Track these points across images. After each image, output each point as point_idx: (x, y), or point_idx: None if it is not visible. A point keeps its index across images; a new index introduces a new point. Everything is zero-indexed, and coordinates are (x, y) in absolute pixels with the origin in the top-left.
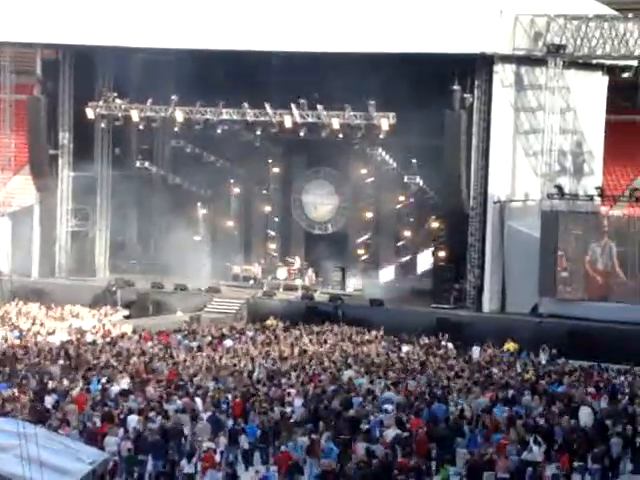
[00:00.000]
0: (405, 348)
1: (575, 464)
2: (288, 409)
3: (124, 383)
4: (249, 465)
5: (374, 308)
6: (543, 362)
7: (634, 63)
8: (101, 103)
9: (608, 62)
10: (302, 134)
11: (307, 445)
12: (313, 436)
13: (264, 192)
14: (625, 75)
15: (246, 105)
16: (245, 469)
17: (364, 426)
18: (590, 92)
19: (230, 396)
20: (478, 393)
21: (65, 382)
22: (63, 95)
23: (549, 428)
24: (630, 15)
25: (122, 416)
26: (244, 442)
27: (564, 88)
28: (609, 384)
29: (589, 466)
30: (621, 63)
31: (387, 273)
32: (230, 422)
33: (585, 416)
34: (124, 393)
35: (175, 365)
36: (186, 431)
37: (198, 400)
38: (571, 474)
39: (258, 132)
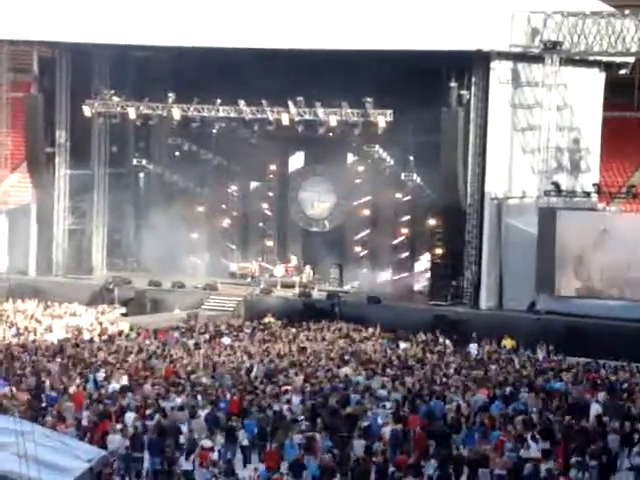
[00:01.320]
0: (402, 345)
1: (573, 460)
2: (285, 406)
3: (121, 381)
4: (247, 462)
5: (371, 305)
6: (540, 359)
7: (631, 60)
8: (98, 101)
9: (605, 59)
10: (299, 131)
11: (304, 443)
12: (310, 434)
13: (261, 190)
14: (622, 72)
15: (243, 102)
16: (243, 466)
17: (362, 423)
18: (587, 89)
19: (228, 394)
20: (475, 390)
21: (62, 380)
22: (60, 93)
23: (547, 425)
24: (627, 12)
25: (119, 414)
26: (243, 438)
27: (561, 85)
28: (606, 381)
29: (587, 462)
30: (618, 60)
31: (384, 270)
32: (228, 420)
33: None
34: (121, 390)
35: (173, 363)
36: (184, 428)
37: (199, 398)
38: (568, 470)
39: (255, 129)
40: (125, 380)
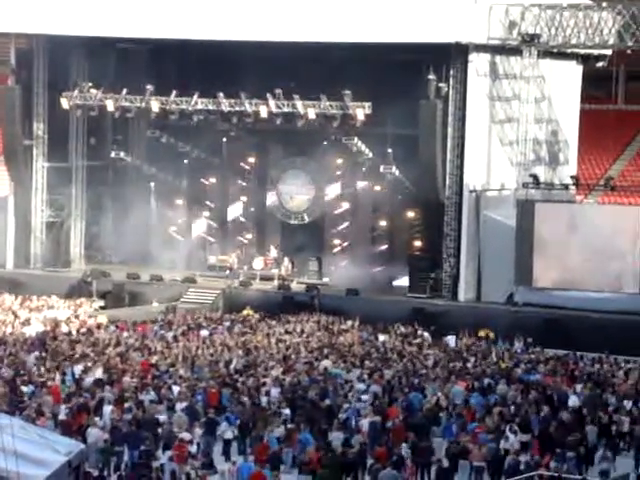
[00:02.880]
0: (381, 337)
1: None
2: (264, 399)
3: (99, 373)
4: (228, 455)
5: (350, 298)
6: (518, 351)
7: (608, 52)
8: (76, 93)
9: (582, 51)
10: (278, 124)
11: (284, 435)
12: (289, 426)
13: (240, 182)
14: (599, 64)
15: (221, 95)
16: (225, 460)
17: (341, 415)
18: (564, 81)
19: (206, 386)
20: (454, 382)
21: (40, 373)
22: (37, 85)
23: (525, 416)
24: (604, 4)
25: (97, 407)
26: (227, 432)
27: (539, 77)
28: (584, 372)
29: (565, 454)
30: (595, 52)
31: (363, 262)
32: (206, 412)
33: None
34: (99, 383)
35: (151, 355)
36: (162, 421)
37: (174, 390)
38: (549, 462)
39: (234, 122)
40: (100, 373)
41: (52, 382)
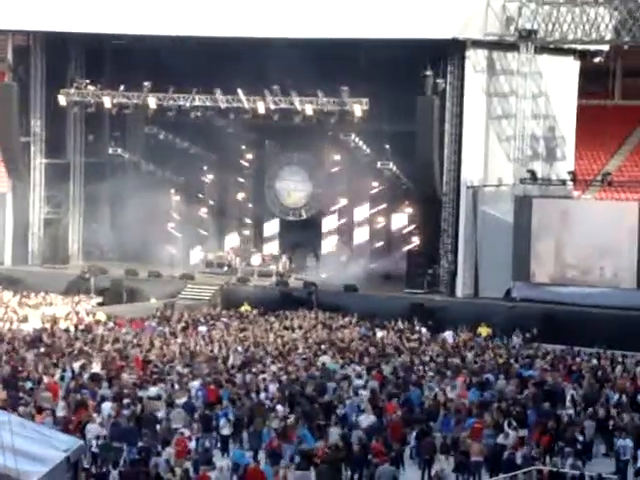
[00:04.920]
0: (379, 333)
1: (554, 447)
2: (262, 395)
3: (97, 370)
4: (226, 451)
5: (348, 294)
6: (516, 346)
7: (605, 48)
8: (73, 90)
9: (579, 47)
10: (275, 120)
11: (280, 430)
12: (287, 421)
13: (237, 178)
14: (596, 60)
15: (219, 91)
16: (222, 455)
17: (340, 411)
18: (562, 77)
19: (205, 382)
20: (452, 377)
21: (39, 369)
22: (35, 82)
23: (522, 412)
24: (601, 0)
25: (96, 403)
26: (225, 428)
27: (536, 73)
28: (581, 367)
29: (563, 449)
30: (592, 48)
31: (361, 258)
32: (206, 408)
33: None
34: (96, 379)
35: (149, 352)
36: (160, 417)
37: (174, 386)
38: (546, 457)
39: (231, 118)
40: (99, 369)
41: (51, 379)
